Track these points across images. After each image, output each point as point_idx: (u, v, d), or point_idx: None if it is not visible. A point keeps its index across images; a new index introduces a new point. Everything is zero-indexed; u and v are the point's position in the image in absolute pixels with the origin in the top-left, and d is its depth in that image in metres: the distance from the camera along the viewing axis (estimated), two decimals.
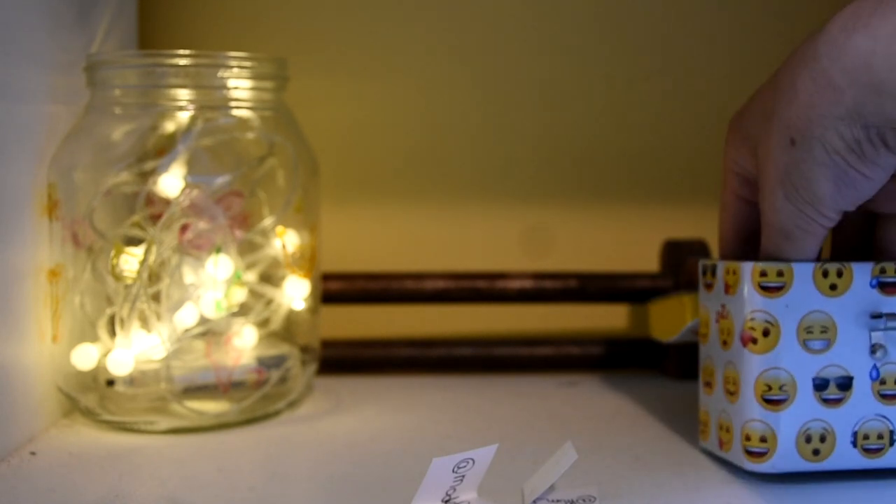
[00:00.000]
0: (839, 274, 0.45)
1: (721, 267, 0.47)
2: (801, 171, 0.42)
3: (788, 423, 0.45)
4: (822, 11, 0.71)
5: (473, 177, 0.72)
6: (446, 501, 0.41)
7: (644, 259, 0.71)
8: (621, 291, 0.67)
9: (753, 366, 0.45)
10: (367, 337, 0.69)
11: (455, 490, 0.41)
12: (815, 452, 0.45)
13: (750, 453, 0.45)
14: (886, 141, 0.40)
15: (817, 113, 0.41)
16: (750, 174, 0.47)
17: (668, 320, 0.56)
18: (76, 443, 0.51)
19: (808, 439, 0.45)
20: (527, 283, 0.67)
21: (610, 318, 0.72)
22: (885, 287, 0.45)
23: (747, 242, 0.49)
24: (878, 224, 0.47)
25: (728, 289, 0.46)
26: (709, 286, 0.49)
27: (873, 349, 0.45)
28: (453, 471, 0.41)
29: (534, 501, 0.42)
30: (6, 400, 0.48)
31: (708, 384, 0.49)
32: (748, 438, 0.45)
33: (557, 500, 0.42)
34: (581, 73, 0.71)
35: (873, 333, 0.45)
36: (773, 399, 0.45)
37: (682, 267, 0.65)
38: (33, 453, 0.49)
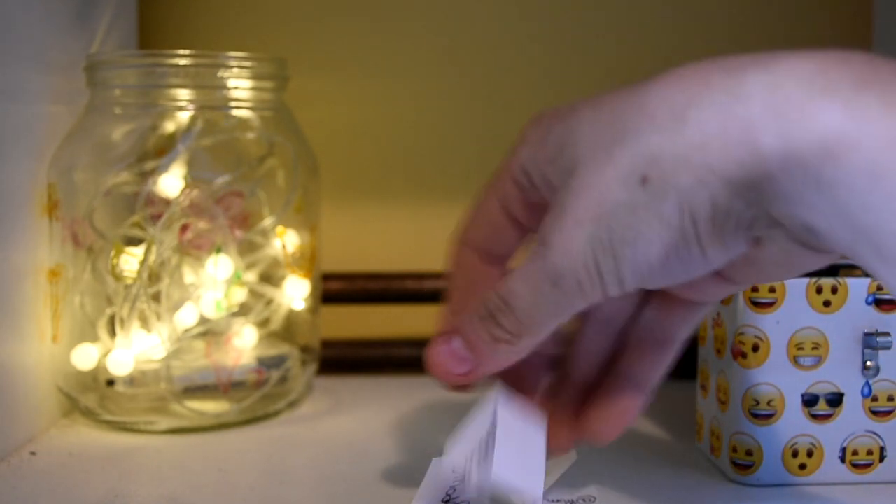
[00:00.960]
0: (833, 290, 0.44)
1: None
2: (634, 220, 0.31)
3: (775, 438, 0.45)
4: (818, 11, 0.71)
5: (474, 177, 0.72)
6: (446, 501, 0.41)
7: None
8: None
9: (742, 380, 0.45)
10: (367, 337, 0.69)
11: (455, 490, 0.41)
12: (802, 467, 0.45)
13: (736, 465, 0.45)
14: (754, 228, 0.31)
15: (705, 161, 0.30)
16: (536, 188, 0.36)
17: None
18: (76, 443, 0.51)
19: (795, 454, 0.45)
20: None
21: None
22: (881, 304, 0.45)
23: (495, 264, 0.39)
24: (660, 306, 0.38)
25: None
26: None
27: (866, 366, 0.45)
28: (453, 471, 0.41)
29: None
30: (6, 400, 0.48)
31: (704, 387, 0.49)
32: (735, 450, 0.45)
33: (557, 500, 0.42)
34: (581, 72, 0.71)
35: (866, 351, 0.44)
36: (760, 414, 0.45)
37: None
38: (33, 453, 0.49)
